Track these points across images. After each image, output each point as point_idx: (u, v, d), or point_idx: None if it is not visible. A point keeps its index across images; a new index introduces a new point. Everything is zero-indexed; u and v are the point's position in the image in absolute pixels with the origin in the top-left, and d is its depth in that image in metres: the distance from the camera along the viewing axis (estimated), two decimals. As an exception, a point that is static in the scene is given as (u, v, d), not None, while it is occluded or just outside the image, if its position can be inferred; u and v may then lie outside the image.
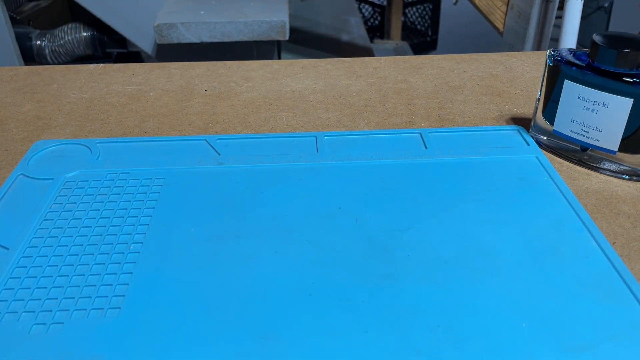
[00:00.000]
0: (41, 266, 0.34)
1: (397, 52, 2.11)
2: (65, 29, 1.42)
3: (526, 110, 0.53)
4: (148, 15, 1.25)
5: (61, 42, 1.41)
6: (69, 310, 0.31)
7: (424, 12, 2.49)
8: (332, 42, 1.68)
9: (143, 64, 0.63)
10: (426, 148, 0.46)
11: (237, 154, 0.45)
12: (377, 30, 2.38)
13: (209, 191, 0.41)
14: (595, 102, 0.41)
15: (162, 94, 0.57)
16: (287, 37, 1.16)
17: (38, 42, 1.40)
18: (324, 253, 0.35)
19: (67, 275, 0.33)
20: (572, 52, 0.44)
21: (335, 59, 0.65)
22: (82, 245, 0.36)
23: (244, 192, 0.41)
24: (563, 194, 0.40)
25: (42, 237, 0.36)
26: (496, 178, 0.42)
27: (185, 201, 0.40)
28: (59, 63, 1.45)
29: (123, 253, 0.35)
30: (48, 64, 1.43)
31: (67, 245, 0.36)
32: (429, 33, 2.51)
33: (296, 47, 1.61)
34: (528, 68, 0.62)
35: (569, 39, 0.91)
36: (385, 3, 2.29)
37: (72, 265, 0.34)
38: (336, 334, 0.29)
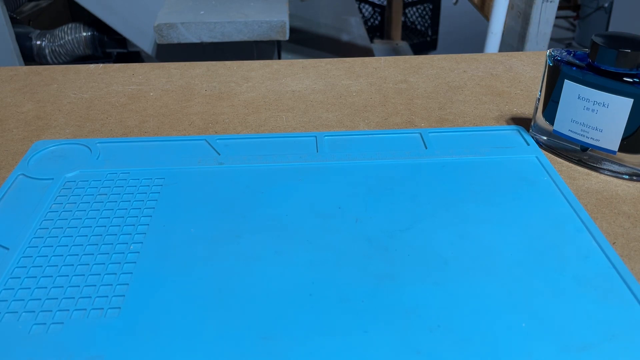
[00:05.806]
0: (41, 266, 0.34)
1: (397, 52, 2.11)
2: (65, 29, 1.42)
3: (526, 110, 0.53)
4: (148, 15, 1.25)
5: (61, 42, 1.41)
6: (69, 310, 0.31)
7: (424, 12, 2.49)
8: (332, 42, 1.68)
9: (143, 64, 0.63)
10: (426, 148, 0.46)
11: (237, 154, 0.45)
12: (377, 30, 2.38)
13: (209, 191, 0.41)
14: (595, 102, 0.41)
15: (162, 94, 0.57)
16: (287, 37, 1.16)
17: (38, 42, 1.40)
18: (324, 253, 0.35)
19: (67, 275, 0.33)
20: (572, 52, 0.44)
21: (335, 59, 0.65)
22: (82, 245, 0.36)
23: (244, 192, 0.41)
24: (563, 194, 0.40)
25: (42, 237, 0.36)
26: (496, 178, 0.42)
27: (185, 201, 0.40)
28: (59, 63, 1.45)
29: (123, 253, 0.35)
30: (48, 64, 1.43)
31: (67, 245, 0.36)
32: (429, 33, 2.51)
33: (296, 47, 1.61)
34: (528, 68, 0.62)
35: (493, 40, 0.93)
36: (385, 3, 2.29)
37: (72, 265, 0.34)
38: (336, 334, 0.29)
